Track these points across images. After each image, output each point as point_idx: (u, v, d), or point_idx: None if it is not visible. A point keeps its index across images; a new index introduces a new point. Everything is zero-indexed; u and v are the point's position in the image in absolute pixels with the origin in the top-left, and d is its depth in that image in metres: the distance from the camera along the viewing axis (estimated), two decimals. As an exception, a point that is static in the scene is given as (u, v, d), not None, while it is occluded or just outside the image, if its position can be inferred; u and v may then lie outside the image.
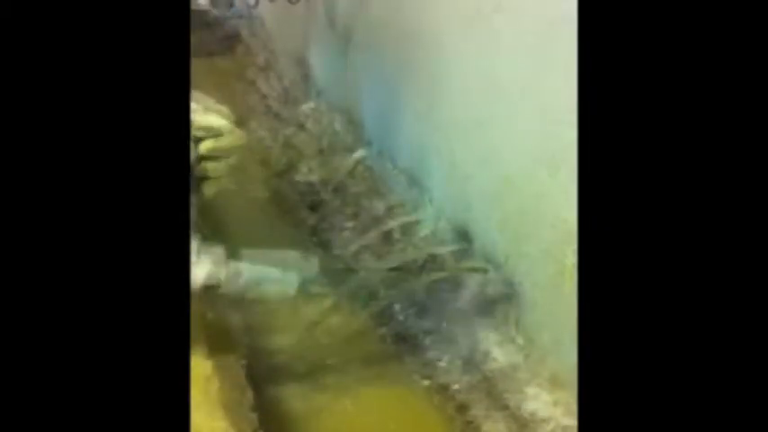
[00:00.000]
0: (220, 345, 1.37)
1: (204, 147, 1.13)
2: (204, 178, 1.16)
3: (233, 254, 1.20)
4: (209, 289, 1.17)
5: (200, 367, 1.24)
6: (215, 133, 1.12)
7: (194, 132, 1.12)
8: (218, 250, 1.18)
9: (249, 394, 1.29)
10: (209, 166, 1.15)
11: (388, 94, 2.02)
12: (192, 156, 1.13)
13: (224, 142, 1.13)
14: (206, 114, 1.15)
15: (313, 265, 1.28)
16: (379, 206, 2.07)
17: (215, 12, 3.85)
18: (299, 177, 2.35)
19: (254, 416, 1.24)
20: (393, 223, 1.96)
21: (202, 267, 1.15)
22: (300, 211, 2.20)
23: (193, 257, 1.13)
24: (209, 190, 1.18)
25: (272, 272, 1.22)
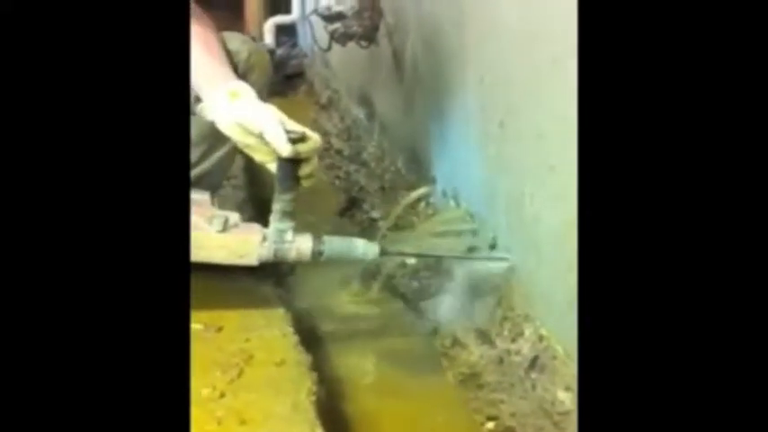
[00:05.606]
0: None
1: (300, 148, 1.29)
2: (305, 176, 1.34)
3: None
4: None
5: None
6: (302, 137, 1.28)
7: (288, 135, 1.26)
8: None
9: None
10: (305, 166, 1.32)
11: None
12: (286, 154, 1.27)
13: (311, 145, 1.30)
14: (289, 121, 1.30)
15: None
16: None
17: (279, 52, 3.98)
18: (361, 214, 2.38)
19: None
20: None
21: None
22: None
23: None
24: (308, 183, 1.36)
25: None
